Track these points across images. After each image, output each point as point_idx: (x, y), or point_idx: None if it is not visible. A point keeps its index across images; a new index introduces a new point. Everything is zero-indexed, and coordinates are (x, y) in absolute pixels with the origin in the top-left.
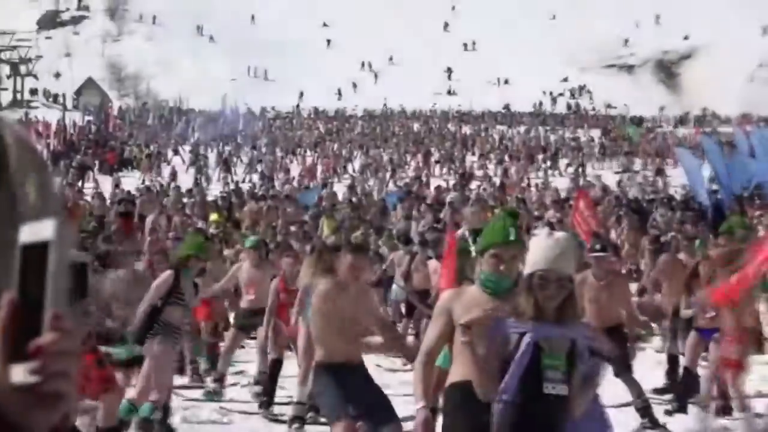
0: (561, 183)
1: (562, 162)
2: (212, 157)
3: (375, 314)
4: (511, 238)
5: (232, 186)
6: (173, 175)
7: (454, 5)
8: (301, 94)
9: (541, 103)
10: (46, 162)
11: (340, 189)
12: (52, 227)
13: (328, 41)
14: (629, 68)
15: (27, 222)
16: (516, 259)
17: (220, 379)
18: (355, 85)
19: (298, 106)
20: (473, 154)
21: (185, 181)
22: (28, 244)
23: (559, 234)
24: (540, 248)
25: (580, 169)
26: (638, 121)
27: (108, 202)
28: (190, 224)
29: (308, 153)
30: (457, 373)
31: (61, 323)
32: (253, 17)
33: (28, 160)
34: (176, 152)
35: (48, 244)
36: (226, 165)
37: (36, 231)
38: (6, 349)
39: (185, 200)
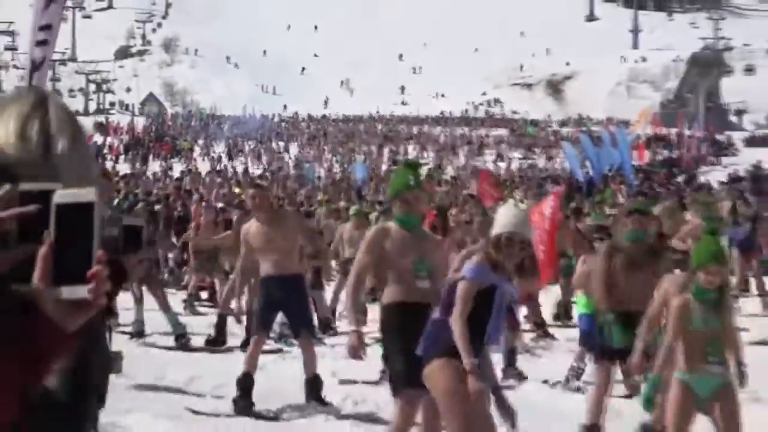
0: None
1: (488, 151)
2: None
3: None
4: (412, 184)
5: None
6: (216, 161)
7: (408, 41)
8: (291, 109)
9: (466, 111)
10: (82, 129)
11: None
12: (95, 192)
13: (318, 67)
14: (528, 86)
15: (68, 184)
16: (419, 200)
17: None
18: (331, 99)
19: (296, 112)
20: (418, 145)
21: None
22: (72, 203)
23: (522, 205)
24: (507, 215)
25: (497, 156)
26: (535, 123)
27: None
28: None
29: (302, 145)
30: (389, 296)
31: (102, 260)
32: (264, 51)
33: (67, 127)
34: (212, 146)
35: (93, 205)
36: (230, 154)
37: (79, 194)
38: (47, 273)
39: (218, 180)
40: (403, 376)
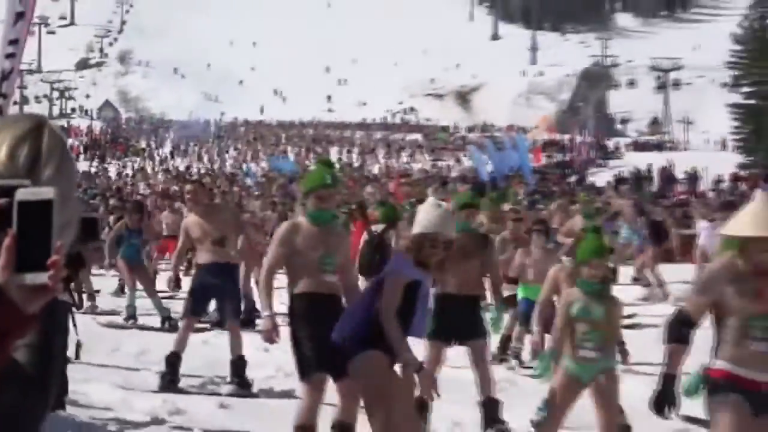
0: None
1: (403, 153)
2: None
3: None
4: (328, 182)
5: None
6: (162, 161)
7: (336, 57)
8: (231, 115)
9: (385, 118)
10: (70, 155)
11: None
12: (53, 191)
13: (255, 79)
14: (439, 96)
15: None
16: (333, 198)
17: None
18: (266, 106)
19: (235, 118)
20: (342, 147)
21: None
22: (33, 200)
23: (445, 204)
24: (430, 215)
25: (410, 158)
26: (445, 129)
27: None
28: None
29: (240, 147)
30: (298, 287)
31: (60, 250)
32: (209, 65)
33: (55, 155)
34: (159, 147)
35: (51, 202)
36: (172, 154)
37: (39, 192)
38: (10, 262)
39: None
40: (311, 360)
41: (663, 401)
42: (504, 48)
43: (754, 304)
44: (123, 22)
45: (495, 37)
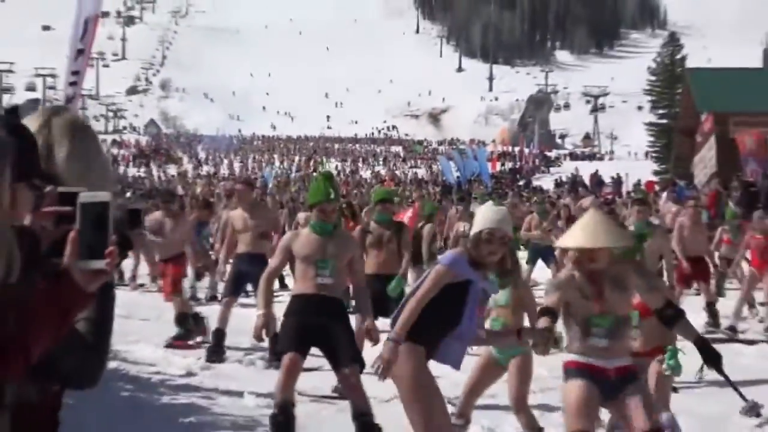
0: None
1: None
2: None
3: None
4: (332, 197)
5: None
6: (195, 168)
7: (333, 85)
8: (249, 132)
9: (372, 134)
10: (83, 135)
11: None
12: (109, 195)
13: (269, 102)
14: (416, 116)
15: (68, 181)
16: (334, 212)
17: None
18: (277, 124)
19: (253, 134)
20: (336, 158)
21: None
22: (92, 202)
23: (501, 206)
24: (487, 213)
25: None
26: (420, 143)
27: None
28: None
29: (256, 157)
30: (295, 288)
31: (114, 242)
32: (233, 92)
33: (65, 138)
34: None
35: (107, 204)
36: (200, 162)
37: (97, 195)
38: (75, 252)
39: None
40: (288, 341)
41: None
42: (467, 78)
43: (591, 306)
44: (164, 57)
45: (459, 69)
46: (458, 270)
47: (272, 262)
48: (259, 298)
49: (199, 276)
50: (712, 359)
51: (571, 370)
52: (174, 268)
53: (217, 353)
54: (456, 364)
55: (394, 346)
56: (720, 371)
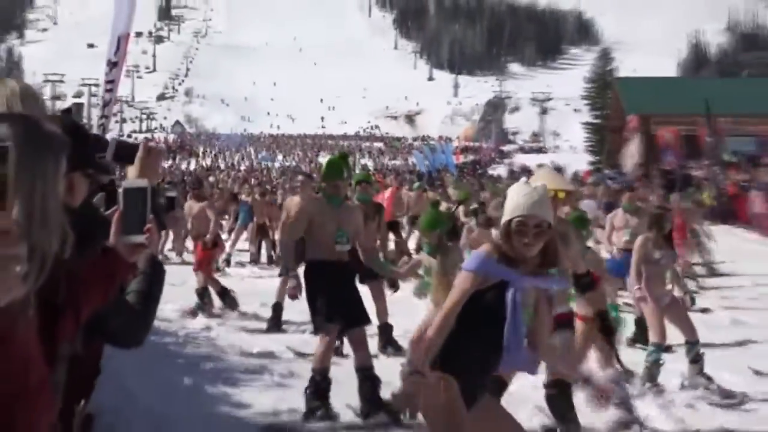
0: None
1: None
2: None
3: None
4: (344, 175)
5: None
6: (213, 160)
7: (327, 91)
8: (256, 131)
9: (359, 132)
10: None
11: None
12: (147, 182)
13: (274, 107)
14: (394, 117)
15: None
16: (345, 188)
17: None
18: (281, 125)
19: (261, 132)
20: (329, 152)
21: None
22: (133, 188)
23: (537, 183)
24: (518, 196)
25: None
26: (398, 140)
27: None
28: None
29: (263, 152)
30: (312, 253)
31: (151, 221)
32: (245, 98)
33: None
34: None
35: (146, 189)
36: (216, 157)
37: (137, 182)
38: (119, 229)
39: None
40: (324, 316)
41: None
42: (436, 86)
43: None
44: (187, 69)
45: (430, 79)
46: (486, 272)
47: (292, 225)
48: (290, 262)
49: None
50: (606, 330)
51: None
52: (203, 251)
53: (276, 326)
54: (527, 367)
55: (417, 378)
56: (610, 342)
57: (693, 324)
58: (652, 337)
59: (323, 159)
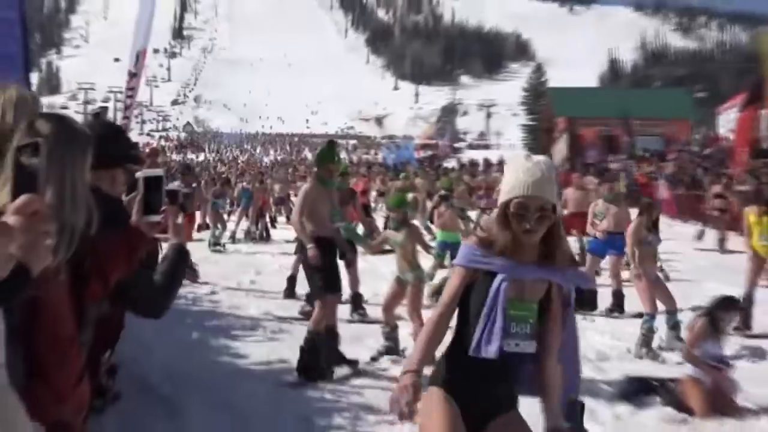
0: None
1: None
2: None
3: None
4: (336, 159)
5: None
6: (216, 154)
7: (311, 99)
8: (252, 130)
9: (336, 131)
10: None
11: (270, 158)
12: (162, 171)
13: (268, 111)
14: (367, 120)
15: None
16: (337, 171)
17: None
18: (273, 126)
19: (257, 132)
20: (313, 148)
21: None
22: (150, 176)
23: (539, 157)
24: (517, 172)
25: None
26: (369, 138)
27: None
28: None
29: (258, 149)
30: (317, 231)
31: (166, 203)
32: (244, 104)
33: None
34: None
35: (161, 177)
36: (219, 152)
37: (153, 172)
38: (141, 210)
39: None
40: (322, 286)
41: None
42: (401, 94)
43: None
44: (196, 79)
45: (396, 88)
46: (475, 264)
47: (298, 208)
48: (304, 237)
49: (200, 229)
50: (588, 303)
51: None
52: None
53: (291, 294)
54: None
55: (410, 378)
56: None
57: (672, 295)
58: (646, 308)
59: (308, 153)
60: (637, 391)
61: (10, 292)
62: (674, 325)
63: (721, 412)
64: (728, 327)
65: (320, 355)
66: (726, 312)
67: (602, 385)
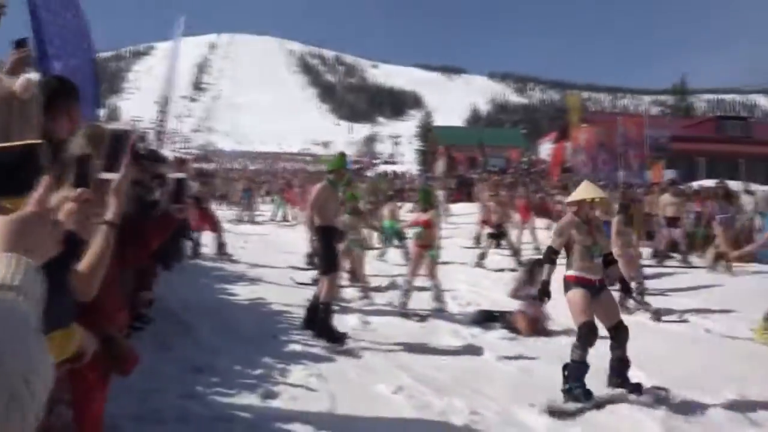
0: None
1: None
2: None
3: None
4: (346, 165)
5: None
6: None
7: (282, 128)
8: (249, 149)
9: (299, 151)
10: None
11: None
12: (185, 174)
13: (255, 133)
14: (317, 144)
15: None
16: (345, 174)
17: None
18: (265, 145)
19: (248, 150)
20: (285, 161)
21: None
22: (178, 177)
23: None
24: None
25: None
26: (320, 156)
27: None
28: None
29: (248, 162)
30: (324, 221)
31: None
32: (243, 134)
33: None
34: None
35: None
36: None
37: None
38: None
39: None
40: (331, 263)
41: (542, 295)
42: (340, 129)
43: (588, 239)
44: (208, 116)
45: (337, 124)
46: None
47: (310, 206)
48: (311, 228)
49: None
50: (626, 290)
51: (571, 282)
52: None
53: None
54: None
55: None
56: (630, 297)
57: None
58: (629, 279)
59: (281, 165)
60: (485, 319)
61: (68, 257)
62: (641, 292)
63: (538, 332)
64: (539, 279)
65: (331, 320)
66: (532, 272)
67: (460, 317)
